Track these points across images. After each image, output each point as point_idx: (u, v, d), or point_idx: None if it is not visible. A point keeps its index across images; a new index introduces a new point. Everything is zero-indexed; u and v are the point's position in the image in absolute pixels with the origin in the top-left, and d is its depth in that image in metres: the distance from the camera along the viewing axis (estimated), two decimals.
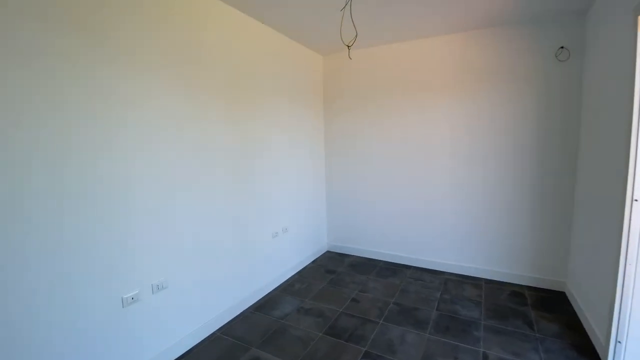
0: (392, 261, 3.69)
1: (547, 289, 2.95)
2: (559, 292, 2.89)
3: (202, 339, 2.31)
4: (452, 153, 3.24)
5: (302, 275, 3.39)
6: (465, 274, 3.31)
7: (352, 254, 3.95)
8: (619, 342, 1.88)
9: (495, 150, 3.05)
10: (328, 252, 4.08)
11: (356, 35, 2.60)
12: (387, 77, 3.48)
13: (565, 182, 2.80)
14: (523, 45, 2.84)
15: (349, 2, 2.22)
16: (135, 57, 1.82)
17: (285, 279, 3.29)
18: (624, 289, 1.83)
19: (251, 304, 2.80)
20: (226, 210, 2.52)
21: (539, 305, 2.67)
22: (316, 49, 3.58)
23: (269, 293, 3.01)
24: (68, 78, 1.54)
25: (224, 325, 2.48)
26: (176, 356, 2.12)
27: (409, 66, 3.35)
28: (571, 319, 2.45)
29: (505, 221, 3.08)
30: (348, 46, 2.57)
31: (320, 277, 3.34)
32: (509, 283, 3.09)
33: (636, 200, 1.75)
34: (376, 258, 3.79)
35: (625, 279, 1.82)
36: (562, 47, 2.68)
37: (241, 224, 2.68)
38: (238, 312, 2.66)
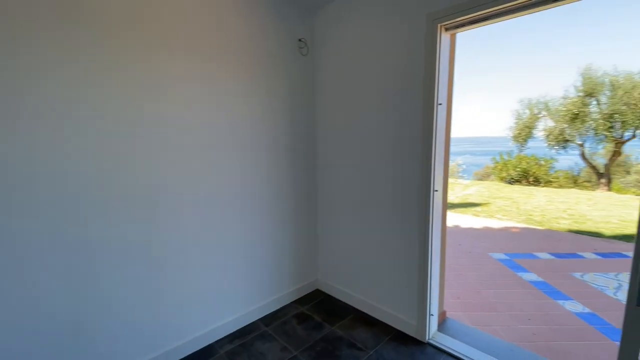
0: None
1: (309, 295, 2.82)
2: (318, 291, 2.88)
3: None
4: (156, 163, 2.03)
5: None
6: (238, 328, 2.32)
7: None
8: (432, 314, 2.15)
9: (237, 151, 2.31)
10: None
11: None
12: None
13: (311, 184, 2.76)
14: (268, 31, 2.30)
15: None
16: None
17: None
18: (432, 274, 2.09)
19: None
20: None
21: (330, 319, 2.46)
22: None
23: None
24: None
25: None
26: None
27: None
28: (362, 317, 2.50)
29: (258, 243, 2.49)
30: None
31: None
32: (282, 309, 2.60)
33: (436, 190, 2.01)
34: None
35: (432, 268, 2.08)
36: (300, 40, 2.50)
37: None
38: None
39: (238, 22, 2.11)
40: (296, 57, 2.49)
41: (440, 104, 1.92)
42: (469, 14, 1.71)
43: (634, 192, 10.13)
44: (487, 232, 5.29)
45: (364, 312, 2.53)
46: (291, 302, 2.70)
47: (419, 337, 2.16)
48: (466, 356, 1.97)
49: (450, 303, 2.77)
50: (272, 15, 2.30)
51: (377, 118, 2.22)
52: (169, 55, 1.80)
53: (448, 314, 2.51)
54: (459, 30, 1.88)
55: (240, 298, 2.33)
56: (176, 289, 1.97)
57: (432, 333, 2.19)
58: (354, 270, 2.58)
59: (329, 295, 2.80)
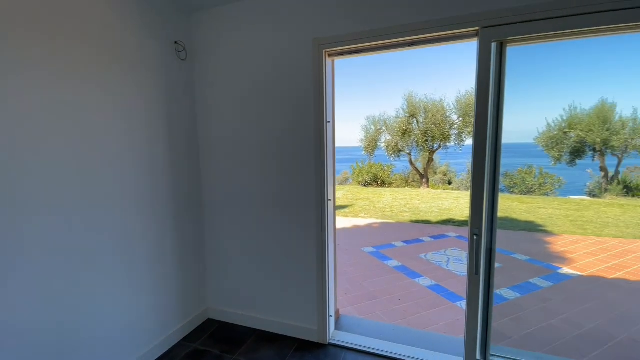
0: None
1: (200, 327, 2.51)
2: (210, 321, 2.59)
3: None
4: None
5: None
6: None
7: None
8: (330, 315, 2.29)
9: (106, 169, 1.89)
10: None
11: None
12: None
13: (194, 201, 2.48)
14: (140, 27, 1.95)
15: None
16: None
17: None
18: (329, 277, 2.24)
19: None
20: None
21: (230, 348, 2.26)
22: None
23: None
24: None
25: None
26: None
27: None
28: (264, 336, 2.40)
29: (130, 281, 2.08)
30: None
31: None
32: (170, 352, 2.21)
33: (329, 198, 2.18)
34: None
35: (329, 272, 2.23)
36: (177, 42, 2.23)
37: None
38: None
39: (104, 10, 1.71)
40: (173, 60, 2.21)
41: (329, 122, 2.11)
42: (348, 45, 1.96)
43: (442, 188, 13.83)
44: (356, 229, 6.09)
45: (264, 331, 2.45)
46: (180, 341, 2.33)
47: (321, 341, 2.27)
48: (362, 346, 2.21)
49: (340, 300, 3.04)
50: (145, 9, 1.97)
51: (269, 131, 2.23)
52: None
53: (341, 311, 2.75)
54: (339, 57, 2.12)
55: (110, 354, 1.84)
56: None
57: (332, 333, 2.34)
58: (250, 290, 2.47)
59: (224, 323, 2.57)
